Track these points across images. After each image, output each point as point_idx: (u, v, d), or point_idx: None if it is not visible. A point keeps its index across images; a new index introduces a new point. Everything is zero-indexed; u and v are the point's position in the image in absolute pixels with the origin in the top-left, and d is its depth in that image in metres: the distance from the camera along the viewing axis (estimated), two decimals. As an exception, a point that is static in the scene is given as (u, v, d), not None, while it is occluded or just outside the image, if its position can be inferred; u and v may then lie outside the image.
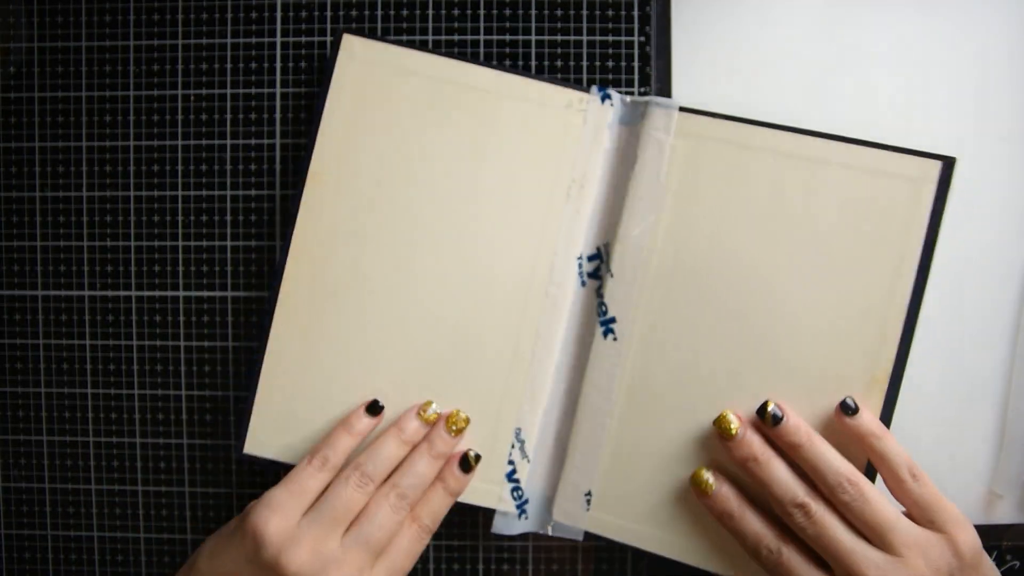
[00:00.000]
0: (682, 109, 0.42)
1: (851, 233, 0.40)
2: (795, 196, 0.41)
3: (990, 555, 0.45)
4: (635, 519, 0.43)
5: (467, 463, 0.41)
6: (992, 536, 0.45)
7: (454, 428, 0.42)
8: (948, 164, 0.39)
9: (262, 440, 0.43)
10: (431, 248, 0.43)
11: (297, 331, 0.43)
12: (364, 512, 0.39)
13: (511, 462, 0.43)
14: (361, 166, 0.43)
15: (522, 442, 0.43)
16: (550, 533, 0.43)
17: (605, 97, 0.43)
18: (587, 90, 0.43)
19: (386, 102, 0.43)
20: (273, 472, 0.45)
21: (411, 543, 0.40)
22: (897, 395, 0.40)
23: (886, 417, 0.40)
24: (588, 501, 0.43)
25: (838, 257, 0.40)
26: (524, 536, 0.45)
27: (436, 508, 0.41)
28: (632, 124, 0.43)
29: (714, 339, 0.42)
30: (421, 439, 0.41)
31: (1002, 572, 0.45)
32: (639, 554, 0.44)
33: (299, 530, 0.38)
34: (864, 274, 0.40)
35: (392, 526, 0.39)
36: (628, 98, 0.43)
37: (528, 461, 0.43)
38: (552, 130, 0.43)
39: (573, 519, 0.43)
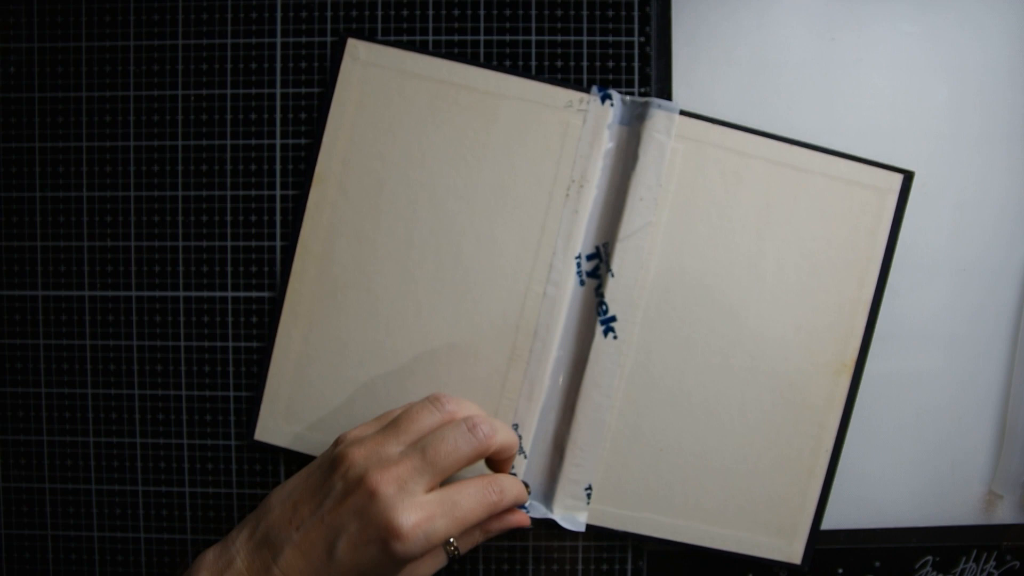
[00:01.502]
0: (682, 113, 0.43)
1: (828, 235, 0.43)
2: (782, 201, 0.43)
3: (990, 556, 0.45)
4: (635, 507, 0.44)
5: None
6: (992, 536, 0.45)
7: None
8: (908, 177, 0.43)
9: (271, 428, 0.45)
10: (431, 247, 0.44)
11: (303, 327, 0.44)
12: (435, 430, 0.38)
13: None
14: (364, 167, 0.44)
15: (519, 438, 0.44)
16: (554, 516, 0.44)
17: (605, 97, 0.43)
18: (587, 90, 0.43)
19: (389, 104, 0.44)
20: (273, 473, 0.45)
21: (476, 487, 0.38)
22: (860, 379, 0.43)
23: (850, 400, 0.43)
24: (589, 495, 0.44)
25: (817, 258, 0.43)
26: (524, 537, 0.45)
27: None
28: (632, 125, 0.43)
29: (708, 334, 0.43)
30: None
31: (1002, 572, 0.45)
32: (638, 551, 0.45)
33: (368, 435, 0.38)
34: (838, 273, 0.43)
35: (459, 447, 0.37)
36: (628, 98, 0.43)
37: (525, 457, 0.44)
38: (552, 130, 0.43)
39: (574, 513, 0.44)
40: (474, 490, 0.38)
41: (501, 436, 0.38)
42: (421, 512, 0.36)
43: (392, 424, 0.38)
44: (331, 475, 0.37)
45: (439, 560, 0.38)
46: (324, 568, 0.36)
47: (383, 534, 0.35)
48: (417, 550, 0.35)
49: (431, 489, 0.37)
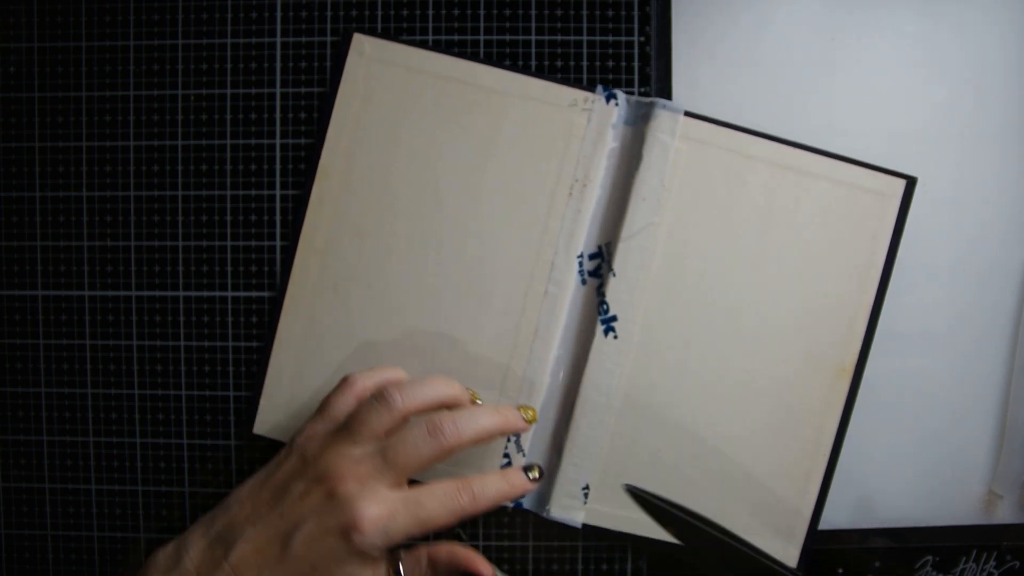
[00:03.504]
0: (687, 114, 0.43)
1: (829, 239, 0.43)
2: (785, 203, 0.43)
3: (990, 556, 0.45)
4: (632, 507, 0.43)
5: None
6: (992, 536, 0.45)
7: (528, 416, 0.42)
8: (911, 182, 0.43)
9: (270, 422, 0.45)
10: (433, 244, 0.44)
11: (304, 321, 0.45)
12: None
13: (506, 455, 0.44)
14: (368, 162, 0.44)
15: (517, 436, 0.44)
16: (549, 515, 0.44)
17: (610, 97, 0.43)
18: (592, 90, 0.43)
19: (394, 100, 0.44)
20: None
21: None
22: (860, 384, 0.43)
23: (849, 404, 0.43)
24: (586, 495, 0.44)
25: (818, 261, 0.43)
26: (524, 537, 0.45)
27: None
28: (636, 125, 0.43)
29: (707, 335, 0.43)
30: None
31: (1002, 572, 0.45)
32: (638, 551, 0.45)
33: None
34: (838, 277, 0.43)
35: (420, 449, 0.37)
36: (633, 99, 0.43)
37: (523, 455, 0.44)
38: (556, 129, 0.43)
39: (570, 513, 0.44)
40: (441, 493, 0.37)
41: (473, 430, 0.38)
42: (383, 507, 0.36)
43: (345, 429, 0.38)
44: (291, 475, 0.38)
45: None
46: (277, 562, 0.36)
47: (343, 525, 0.35)
48: (376, 543, 0.35)
49: (394, 487, 0.37)
